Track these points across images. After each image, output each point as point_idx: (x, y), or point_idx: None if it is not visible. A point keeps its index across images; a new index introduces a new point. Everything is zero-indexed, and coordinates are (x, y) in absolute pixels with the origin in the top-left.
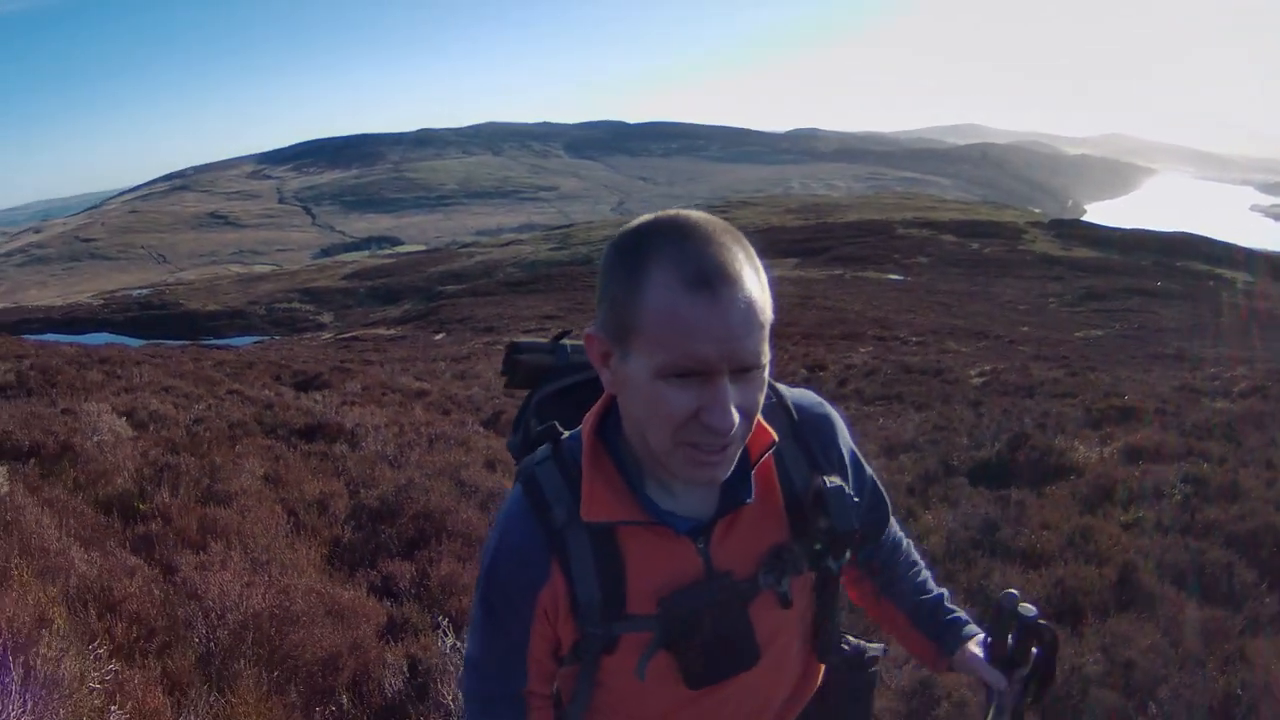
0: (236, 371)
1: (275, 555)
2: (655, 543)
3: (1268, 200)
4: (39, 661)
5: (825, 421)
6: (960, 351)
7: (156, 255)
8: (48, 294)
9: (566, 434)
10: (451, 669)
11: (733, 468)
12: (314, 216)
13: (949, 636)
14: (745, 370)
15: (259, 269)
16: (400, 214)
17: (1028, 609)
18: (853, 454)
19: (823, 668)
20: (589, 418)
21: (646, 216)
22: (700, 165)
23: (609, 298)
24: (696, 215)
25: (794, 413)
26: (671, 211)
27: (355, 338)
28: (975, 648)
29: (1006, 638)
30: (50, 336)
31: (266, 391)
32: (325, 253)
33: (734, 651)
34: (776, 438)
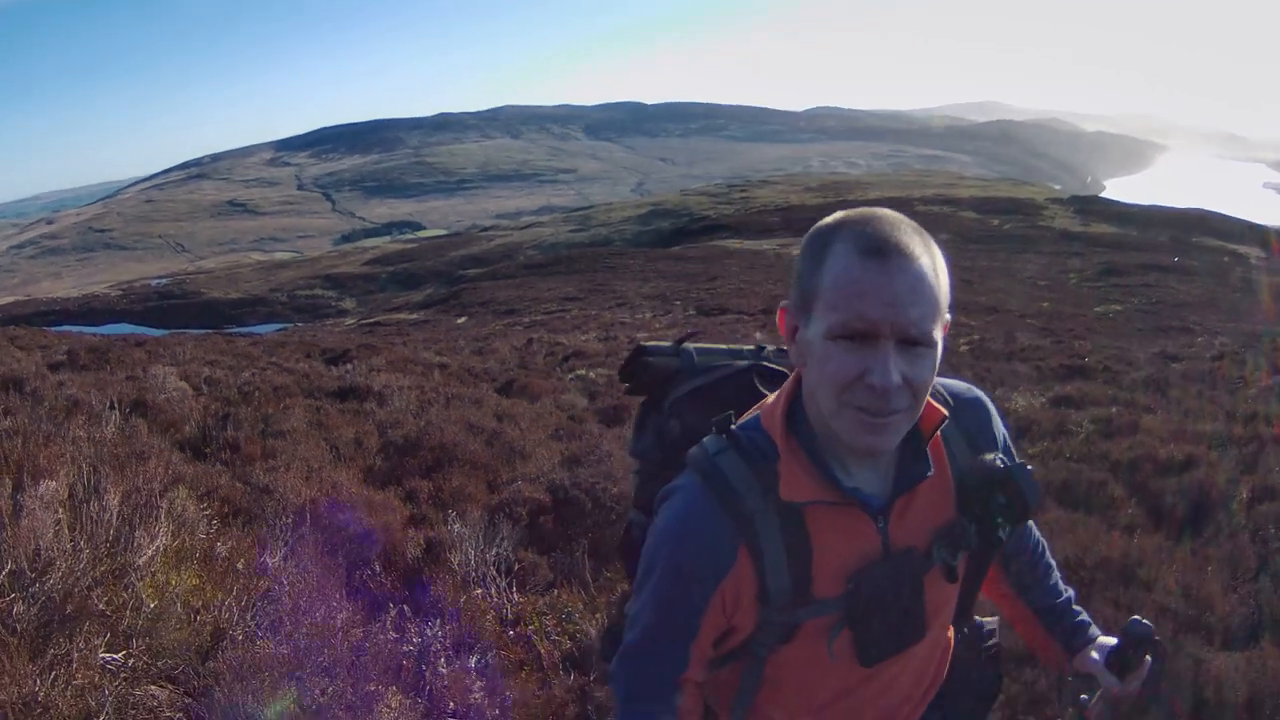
0: (270, 350)
1: (324, 472)
2: (840, 523)
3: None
4: (168, 504)
5: (980, 404)
6: (968, 324)
7: (175, 244)
8: (62, 285)
9: (739, 423)
10: (456, 544)
11: (898, 439)
12: (334, 203)
13: (1076, 638)
14: (911, 342)
15: (280, 256)
16: (420, 199)
17: (1145, 625)
18: (1005, 437)
19: (952, 643)
20: (776, 404)
21: (842, 211)
22: (720, 145)
23: (798, 273)
24: (887, 210)
25: (949, 398)
26: (866, 208)
27: (378, 323)
28: (1095, 652)
29: (1126, 651)
30: (68, 328)
31: (302, 364)
32: (346, 239)
33: (908, 626)
34: (946, 414)
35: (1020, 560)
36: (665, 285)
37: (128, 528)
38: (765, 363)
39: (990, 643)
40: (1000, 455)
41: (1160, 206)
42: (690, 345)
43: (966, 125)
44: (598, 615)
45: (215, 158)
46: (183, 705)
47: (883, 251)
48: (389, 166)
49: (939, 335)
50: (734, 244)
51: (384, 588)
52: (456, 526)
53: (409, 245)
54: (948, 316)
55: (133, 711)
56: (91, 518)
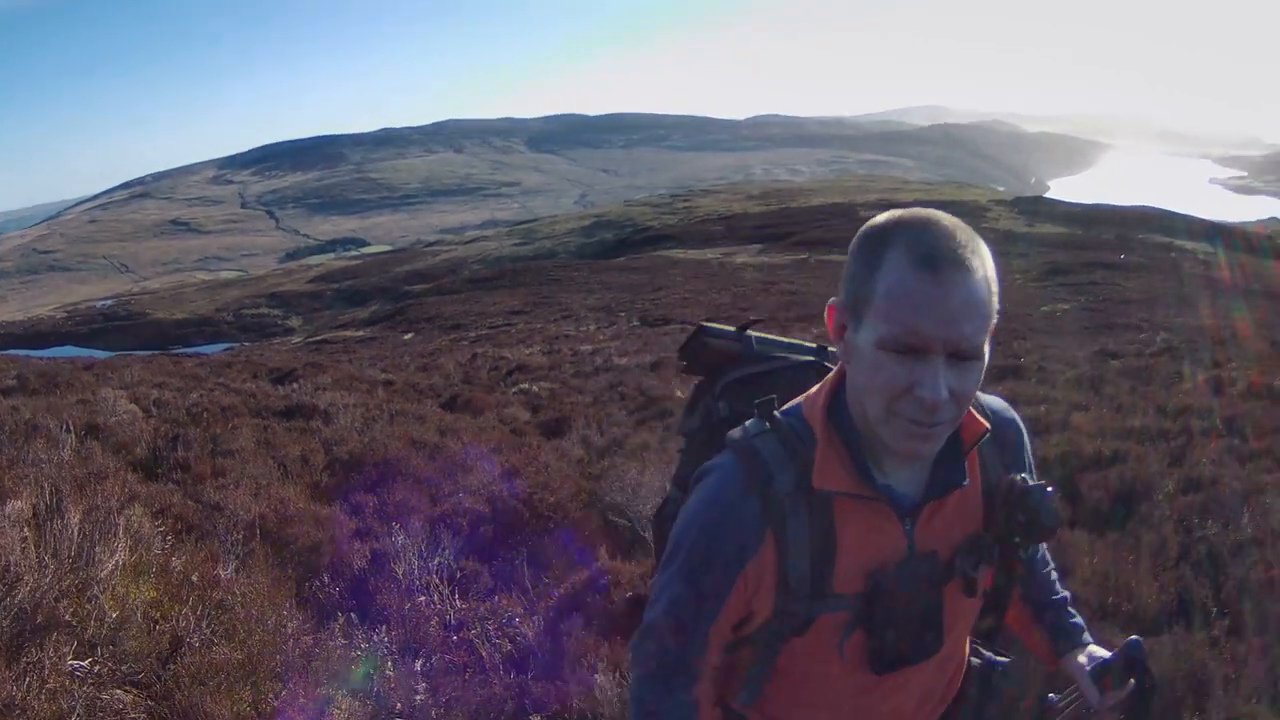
0: (217, 370)
1: (272, 489)
2: (869, 519)
3: (1225, 173)
4: (125, 521)
5: (1015, 425)
6: None
7: (119, 265)
8: (7, 309)
9: (782, 409)
10: (400, 554)
11: (940, 447)
12: (278, 220)
13: (1065, 640)
14: (961, 356)
15: (224, 275)
16: (364, 215)
17: (1140, 648)
18: (1030, 456)
19: (965, 670)
20: (819, 394)
21: (896, 210)
22: (662, 155)
23: (851, 274)
24: (940, 213)
25: (989, 414)
26: (920, 209)
27: (325, 340)
28: (1083, 658)
29: (1116, 667)
30: (14, 352)
31: (248, 384)
32: (291, 256)
33: (924, 636)
34: (989, 427)
35: (1033, 573)
36: (610, 297)
37: (89, 544)
38: (825, 363)
39: (1002, 683)
40: (1024, 476)
41: (1105, 205)
42: (752, 333)
43: (909, 129)
44: (536, 618)
45: (158, 176)
46: (146, 708)
47: (938, 265)
48: (332, 183)
49: (988, 346)
50: (678, 254)
51: (332, 597)
52: (400, 538)
53: (354, 262)
54: (995, 320)
55: (101, 714)
56: (55, 535)
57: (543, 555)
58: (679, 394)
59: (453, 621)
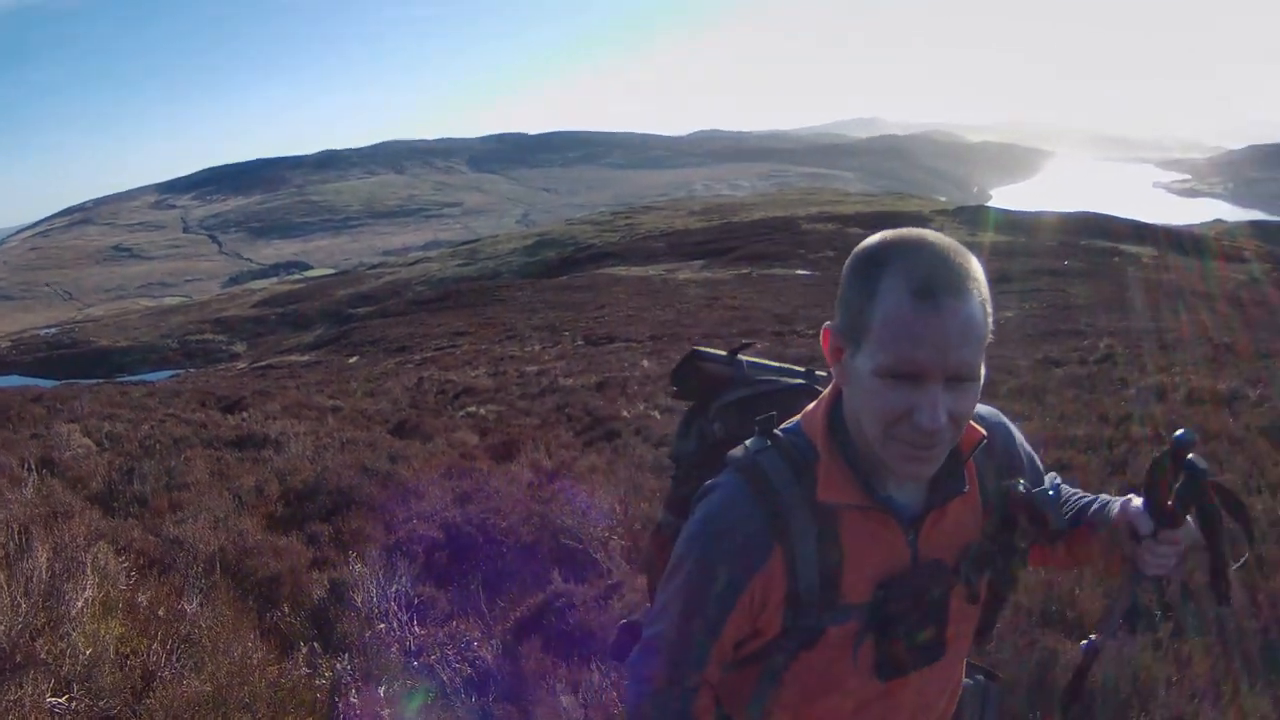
0: (165, 400)
1: (229, 521)
2: (873, 530)
3: (1168, 176)
4: (92, 559)
5: (1003, 427)
6: None
7: (62, 292)
8: None
9: (780, 428)
10: (358, 583)
11: (938, 467)
12: (220, 245)
13: (1103, 512)
14: (959, 380)
15: (169, 301)
16: (307, 238)
17: (1197, 462)
18: (1030, 456)
19: (960, 684)
20: (817, 410)
21: (889, 231)
22: (603, 173)
23: (846, 300)
24: (932, 234)
25: (980, 421)
26: (912, 229)
27: (270, 365)
28: (1137, 500)
29: (1169, 487)
30: None
31: (198, 414)
32: (234, 281)
33: (929, 642)
34: (986, 434)
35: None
36: (554, 316)
37: (58, 582)
38: (815, 385)
39: (996, 687)
40: (1023, 482)
41: (1048, 212)
42: (744, 357)
43: (849, 142)
44: (494, 641)
45: (99, 202)
46: None
47: (935, 294)
48: (274, 206)
49: (982, 365)
50: (621, 271)
51: (293, 627)
52: (358, 567)
53: (297, 285)
54: (990, 337)
55: None
56: (25, 574)
57: (498, 579)
58: (625, 414)
59: (412, 648)
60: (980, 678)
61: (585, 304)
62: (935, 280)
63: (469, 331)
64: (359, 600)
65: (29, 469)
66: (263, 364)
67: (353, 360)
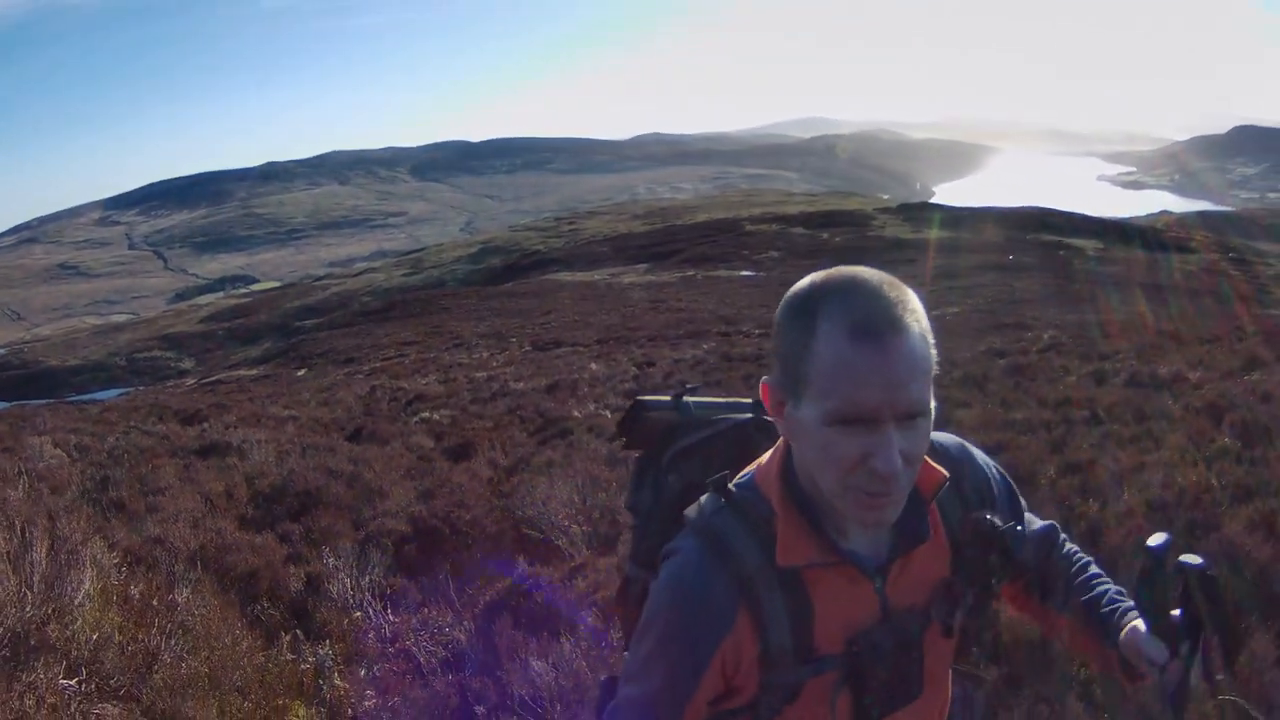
0: (125, 415)
1: (206, 521)
2: (839, 584)
3: (1113, 169)
4: (89, 553)
5: (961, 450)
6: None
7: (10, 312)
8: None
9: (731, 484)
10: (333, 575)
11: (900, 510)
12: (166, 260)
13: (1112, 621)
14: (910, 417)
15: (116, 319)
16: (252, 251)
17: (1191, 558)
18: (994, 470)
19: (949, 701)
20: (770, 465)
21: (817, 274)
22: (546, 179)
23: (782, 351)
24: (864, 271)
25: (939, 451)
26: (841, 269)
27: (219, 381)
28: (1140, 623)
29: (1164, 596)
30: None
31: (159, 426)
32: (180, 296)
33: (907, 685)
34: (947, 475)
35: (1045, 575)
36: (500, 323)
37: (61, 574)
38: (765, 416)
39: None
40: (990, 515)
41: (992, 207)
42: (689, 399)
43: (791, 142)
44: (466, 624)
45: (44, 220)
46: (129, 716)
47: (875, 333)
48: (218, 220)
49: (932, 398)
50: (565, 276)
51: (274, 618)
52: (331, 560)
53: (244, 300)
54: (936, 369)
55: None
56: (29, 567)
57: (465, 568)
58: (576, 414)
59: (388, 634)
60: (966, 685)
61: (531, 310)
62: (872, 318)
63: (416, 341)
64: (334, 591)
65: (20, 472)
66: (212, 379)
67: (301, 373)
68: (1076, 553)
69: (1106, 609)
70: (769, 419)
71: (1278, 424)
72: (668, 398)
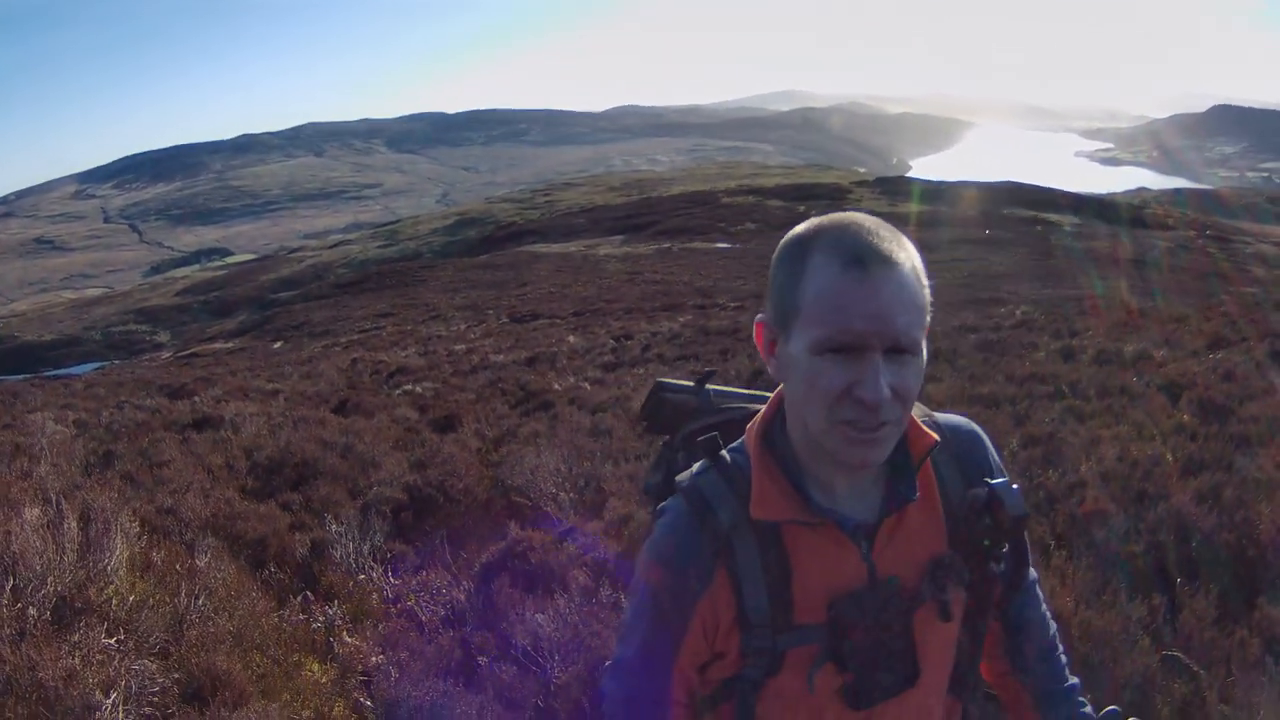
0: (113, 390)
1: (215, 492)
2: (821, 545)
3: (1091, 145)
4: (119, 523)
5: (974, 437)
6: None
7: None
8: None
9: (725, 449)
10: (336, 541)
11: (888, 452)
12: (141, 234)
13: None
14: (898, 351)
15: (91, 293)
16: (227, 224)
17: None
18: (1000, 468)
19: (958, 716)
20: (755, 422)
21: (815, 218)
22: (522, 150)
23: (776, 286)
24: (860, 214)
25: (945, 429)
26: (838, 213)
27: (195, 354)
28: None
29: None
30: None
31: (150, 401)
32: (156, 270)
33: (897, 666)
34: (937, 439)
35: (1024, 633)
36: (476, 295)
37: (93, 543)
38: None
39: None
40: (986, 479)
41: (969, 181)
42: (710, 386)
43: (768, 115)
44: (465, 583)
45: (19, 194)
46: (165, 671)
47: (865, 261)
48: (193, 193)
49: (924, 341)
50: (541, 248)
51: (283, 582)
52: (334, 527)
53: (219, 272)
54: (929, 315)
55: (135, 679)
56: (65, 536)
57: (460, 533)
58: (556, 386)
59: (391, 595)
60: (986, 708)
61: (508, 282)
62: (863, 249)
63: (392, 313)
64: (338, 556)
65: (42, 449)
66: (187, 353)
67: (277, 346)
68: (1050, 624)
69: (1078, 713)
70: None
71: (1235, 402)
72: (689, 382)
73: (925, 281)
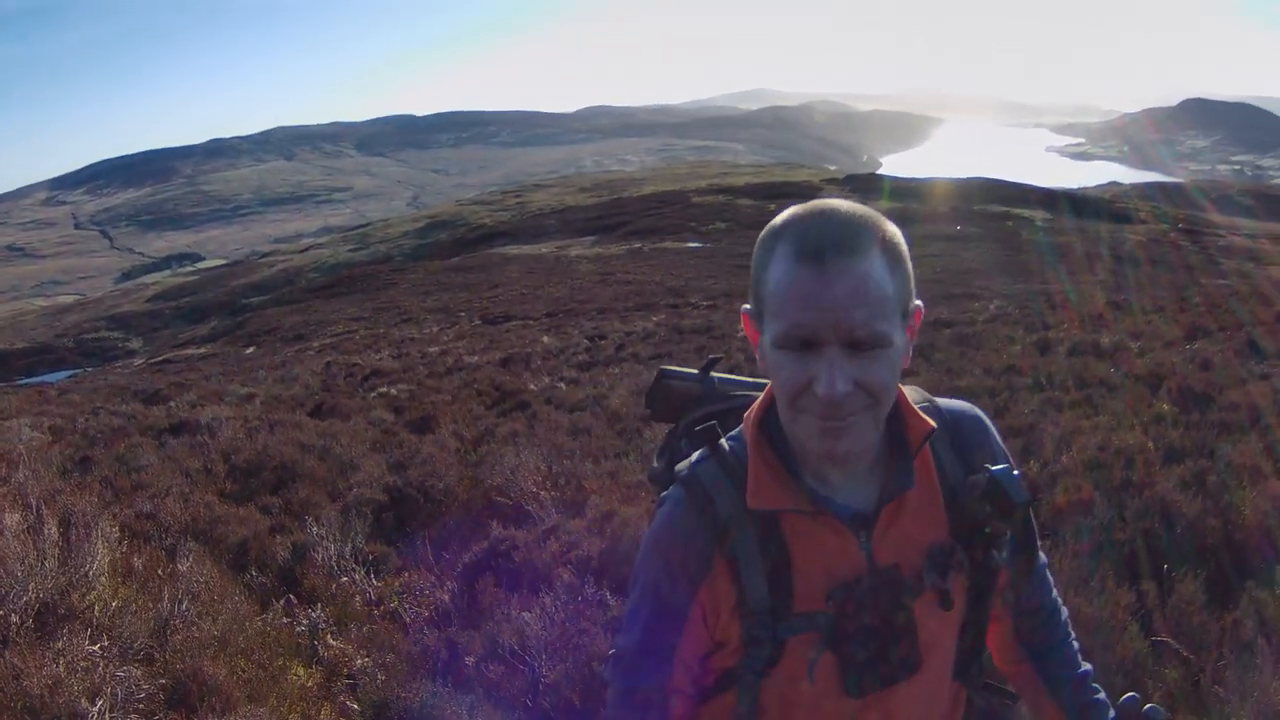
0: (87, 396)
1: (194, 496)
2: (819, 534)
3: (1062, 141)
4: (100, 529)
5: (977, 423)
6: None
7: None
8: None
9: (724, 437)
10: (318, 544)
11: (863, 442)
12: (112, 240)
13: (1087, 716)
14: (858, 345)
15: (63, 300)
16: (198, 229)
17: (1159, 710)
18: (1005, 455)
19: (963, 703)
20: (752, 411)
21: (795, 207)
22: (492, 152)
23: (753, 278)
24: (838, 200)
25: (947, 415)
26: (821, 200)
27: (168, 360)
28: None
29: None
30: None
31: (125, 407)
32: (127, 276)
33: (898, 654)
34: (934, 425)
35: (1035, 619)
36: (448, 297)
37: (78, 547)
38: None
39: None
40: (987, 465)
41: (940, 178)
42: (715, 373)
43: (738, 113)
44: (449, 583)
45: None
46: (151, 677)
47: (821, 255)
48: (164, 198)
49: (897, 332)
50: (513, 250)
51: (265, 585)
52: (315, 529)
53: (190, 278)
54: (918, 304)
55: (120, 686)
56: (45, 542)
57: (442, 534)
58: (532, 386)
59: (374, 597)
60: (993, 702)
61: (479, 284)
62: (823, 241)
63: (364, 317)
64: (320, 559)
65: (20, 455)
66: (160, 359)
67: (250, 351)
68: (1061, 609)
69: (1091, 699)
70: None
71: (1215, 390)
72: (693, 370)
73: (903, 271)
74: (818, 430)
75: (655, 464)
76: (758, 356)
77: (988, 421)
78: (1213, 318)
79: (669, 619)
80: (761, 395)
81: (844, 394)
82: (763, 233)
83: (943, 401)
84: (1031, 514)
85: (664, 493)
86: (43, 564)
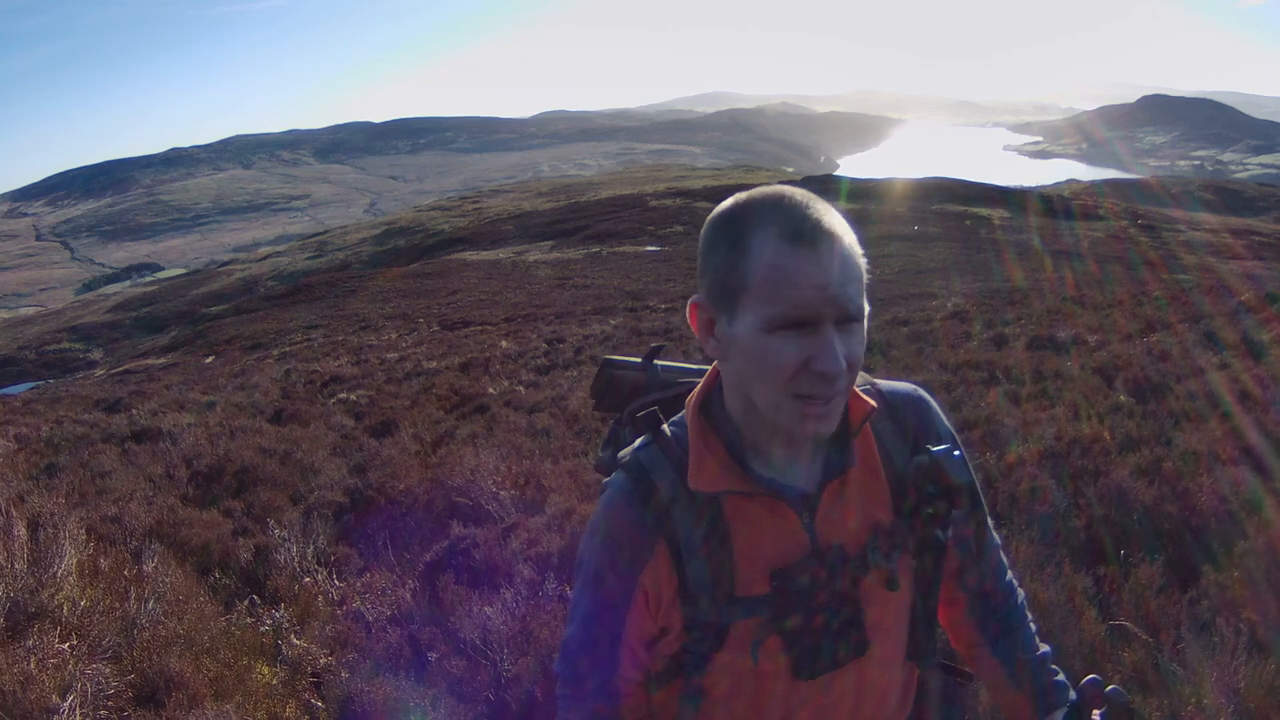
0: (51, 406)
1: (158, 500)
2: (761, 516)
3: (1020, 139)
4: (69, 530)
5: (921, 403)
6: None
7: None
8: None
9: (665, 423)
10: (280, 545)
11: (836, 422)
12: (73, 251)
13: (1049, 697)
14: (848, 320)
15: (24, 312)
16: (157, 239)
17: (1120, 693)
18: (950, 434)
19: (916, 683)
20: (693, 396)
21: (741, 194)
22: (450, 158)
23: (712, 267)
24: (787, 186)
25: (888, 396)
26: (763, 187)
27: (129, 370)
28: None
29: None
30: None
31: (88, 415)
32: (88, 287)
33: (844, 636)
34: (875, 405)
35: (991, 600)
36: (406, 304)
37: (46, 549)
38: None
39: (963, 688)
40: (929, 446)
41: (898, 178)
42: (658, 361)
43: (695, 117)
44: (411, 582)
45: None
46: (120, 674)
47: (810, 237)
48: (124, 208)
49: (866, 305)
50: (471, 255)
51: (228, 587)
52: (277, 532)
53: (150, 288)
54: (867, 278)
55: (90, 682)
56: (18, 542)
57: (403, 534)
58: (491, 390)
59: (336, 597)
60: (945, 677)
61: (438, 290)
62: (807, 223)
63: (323, 324)
64: (283, 560)
65: None
66: (121, 369)
67: (209, 360)
68: (1017, 591)
69: (1051, 681)
70: None
71: (1170, 380)
72: (637, 359)
73: (860, 250)
74: (805, 413)
75: (601, 454)
76: (709, 346)
77: (931, 400)
78: (1172, 311)
79: (612, 605)
80: (702, 380)
81: (844, 369)
82: (717, 219)
83: (883, 383)
84: (980, 495)
85: (605, 480)
86: (12, 564)
